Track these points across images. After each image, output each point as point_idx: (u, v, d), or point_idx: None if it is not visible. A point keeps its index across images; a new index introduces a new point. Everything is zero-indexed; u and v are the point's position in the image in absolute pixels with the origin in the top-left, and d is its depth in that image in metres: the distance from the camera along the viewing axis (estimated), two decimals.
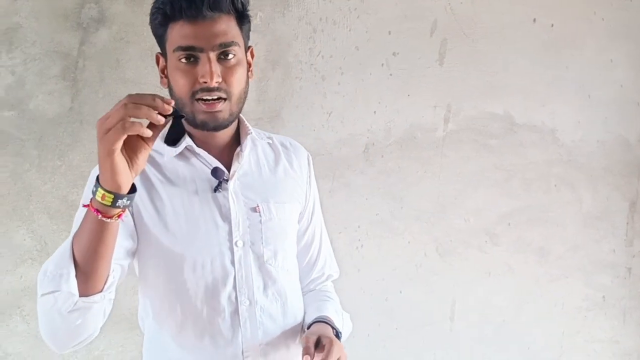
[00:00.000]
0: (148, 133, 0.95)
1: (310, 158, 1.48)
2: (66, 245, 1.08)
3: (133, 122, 0.92)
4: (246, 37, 1.28)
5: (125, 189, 0.99)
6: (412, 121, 2.25)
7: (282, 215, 1.35)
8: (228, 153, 1.33)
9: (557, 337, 2.43)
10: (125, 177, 0.98)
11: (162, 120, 0.95)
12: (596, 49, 2.37)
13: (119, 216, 1.01)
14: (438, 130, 2.29)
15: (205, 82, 1.18)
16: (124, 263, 1.21)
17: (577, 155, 2.39)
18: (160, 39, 1.24)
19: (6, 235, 1.95)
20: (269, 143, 1.42)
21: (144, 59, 2.01)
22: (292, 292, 1.37)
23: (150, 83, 2.02)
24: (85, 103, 1.98)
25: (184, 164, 1.30)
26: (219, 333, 1.27)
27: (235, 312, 1.27)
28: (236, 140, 1.36)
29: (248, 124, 1.36)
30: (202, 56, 1.19)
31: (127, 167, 0.98)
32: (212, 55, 1.18)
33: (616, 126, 2.42)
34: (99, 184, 0.98)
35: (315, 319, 1.35)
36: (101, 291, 1.09)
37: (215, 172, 1.28)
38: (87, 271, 1.06)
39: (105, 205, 0.98)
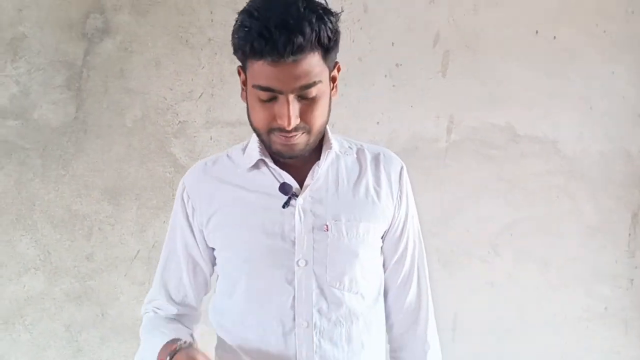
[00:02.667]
0: None
1: (405, 172, 1.37)
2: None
3: None
4: (332, 60, 1.21)
5: None
6: (414, 132, 2.26)
7: (354, 235, 1.27)
8: (305, 167, 1.28)
9: (559, 347, 2.43)
10: None
11: None
12: (598, 61, 2.38)
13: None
14: (440, 140, 2.30)
15: (282, 125, 1.15)
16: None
17: (578, 166, 2.40)
18: (241, 62, 1.20)
19: (10, 244, 1.96)
20: (356, 157, 1.34)
21: (148, 69, 2.02)
22: (364, 318, 1.30)
23: (154, 92, 2.03)
24: (90, 113, 1.99)
25: (257, 176, 1.28)
26: (272, 354, 1.25)
27: (291, 333, 1.24)
28: (318, 153, 1.29)
29: (332, 138, 1.31)
30: (281, 97, 1.14)
31: None
32: (292, 97, 1.13)
33: (618, 138, 2.43)
34: None
35: None
36: None
37: (282, 187, 1.24)
38: None
39: None
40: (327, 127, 1.30)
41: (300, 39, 1.08)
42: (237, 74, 1.24)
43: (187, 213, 1.32)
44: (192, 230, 1.32)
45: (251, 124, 1.22)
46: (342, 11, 1.22)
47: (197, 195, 1.31)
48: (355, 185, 1.30)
